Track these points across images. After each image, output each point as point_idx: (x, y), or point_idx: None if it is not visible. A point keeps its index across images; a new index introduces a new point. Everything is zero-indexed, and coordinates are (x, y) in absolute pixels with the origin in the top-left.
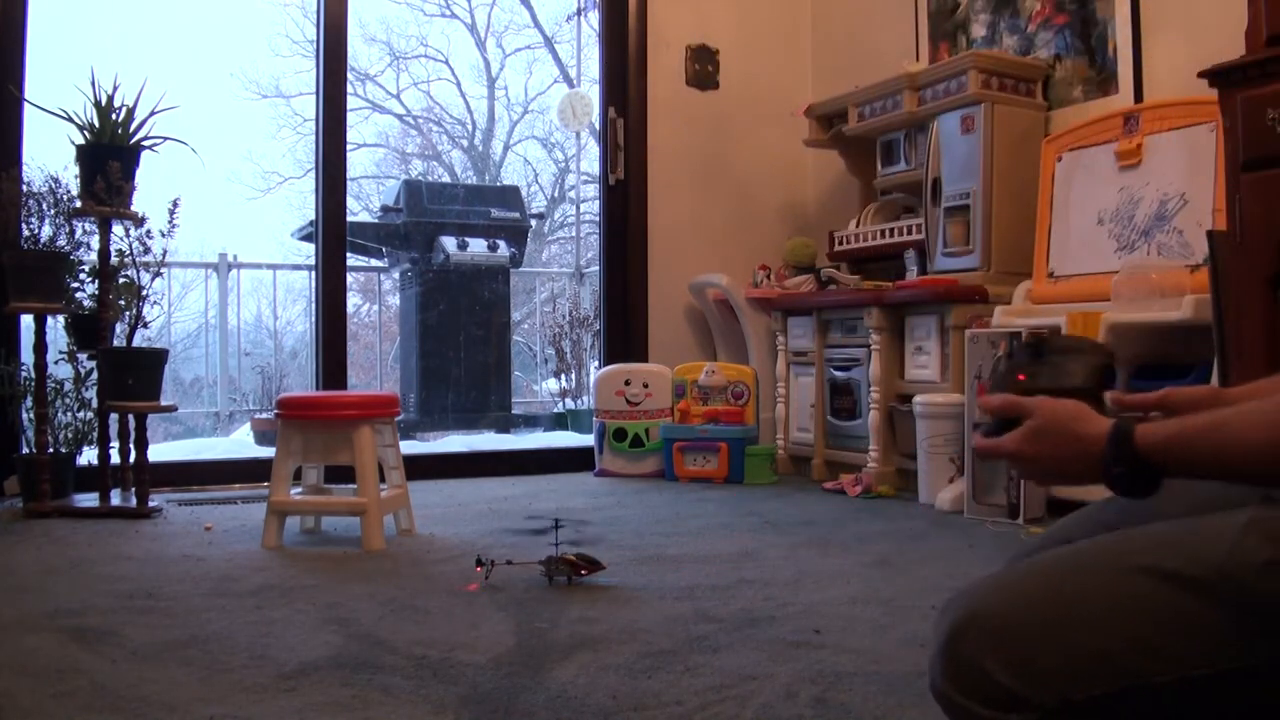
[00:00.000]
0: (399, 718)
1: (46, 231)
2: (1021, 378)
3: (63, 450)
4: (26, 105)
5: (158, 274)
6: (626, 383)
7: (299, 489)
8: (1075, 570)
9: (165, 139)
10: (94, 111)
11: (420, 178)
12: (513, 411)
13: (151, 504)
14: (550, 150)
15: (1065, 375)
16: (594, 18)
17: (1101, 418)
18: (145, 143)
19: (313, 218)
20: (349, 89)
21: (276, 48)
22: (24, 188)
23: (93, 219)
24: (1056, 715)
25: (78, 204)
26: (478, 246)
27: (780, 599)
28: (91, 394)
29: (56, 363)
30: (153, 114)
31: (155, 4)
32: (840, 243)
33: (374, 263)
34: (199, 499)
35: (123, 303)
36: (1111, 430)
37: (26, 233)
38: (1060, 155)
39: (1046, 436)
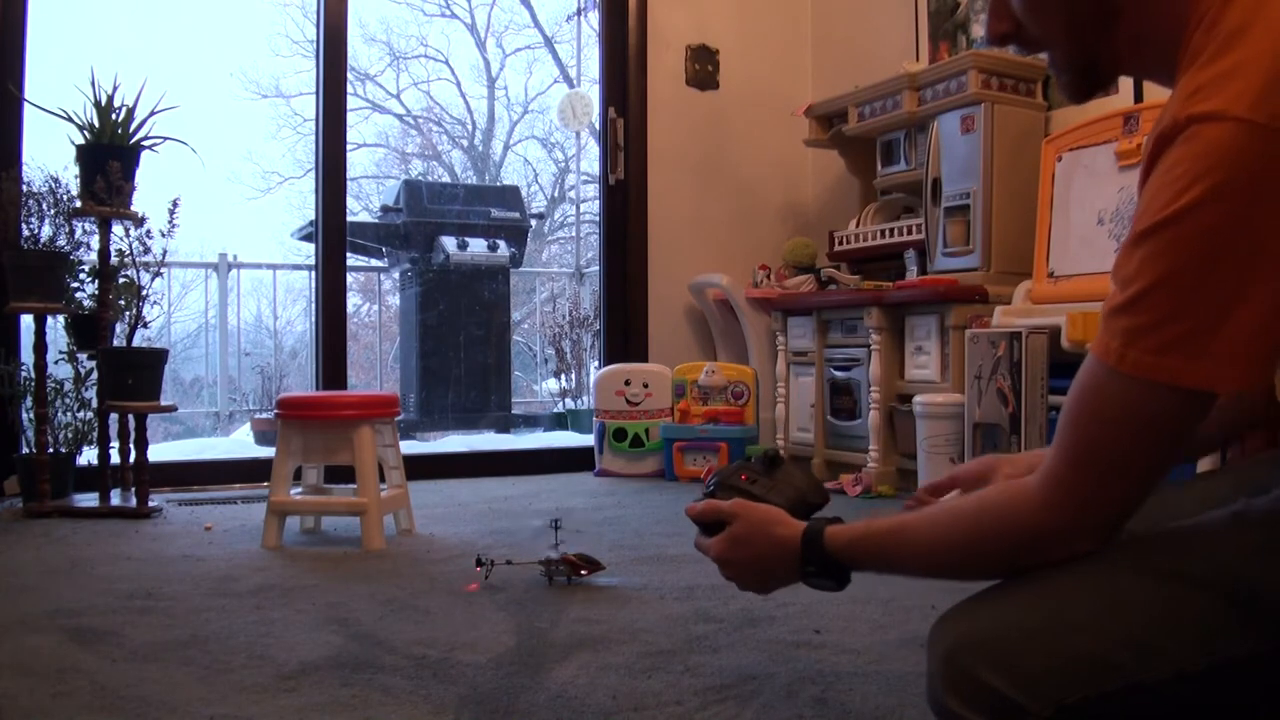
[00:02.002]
0: (399, 718)
1: (46, 231)
2: (744, 478)
3: (63, 450)
4: (26, 105)
5: (158, 274)
6: (626, 383)
7: (299, 489)
8: (1065, 574)
9: (165, 139)
10: (94, 111)
11: (420, 178)
12: (513, 411)
13: (151, 504)
14: (550, 150)
15: (775, 494)
16: (594, 18)
17: (795, 522)
18: (145, 143)
19: (313, 218)
20: (349, 89)
21: (276, 48)
22: (24, 188)
23: (93, 219)
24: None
25: (78, 204)
26: (478, 246)
27: (780, 599)
28: (91, 394)
29: (56, 363)
30: (153, 114)
31: (155, 4)
32: (840, 243)
33: (374, 263)
34: (199, 499)
35: (123, 303)
36: (804, 533)
37: (26, 233)
38: (1060, 155)
39: (745, 541)
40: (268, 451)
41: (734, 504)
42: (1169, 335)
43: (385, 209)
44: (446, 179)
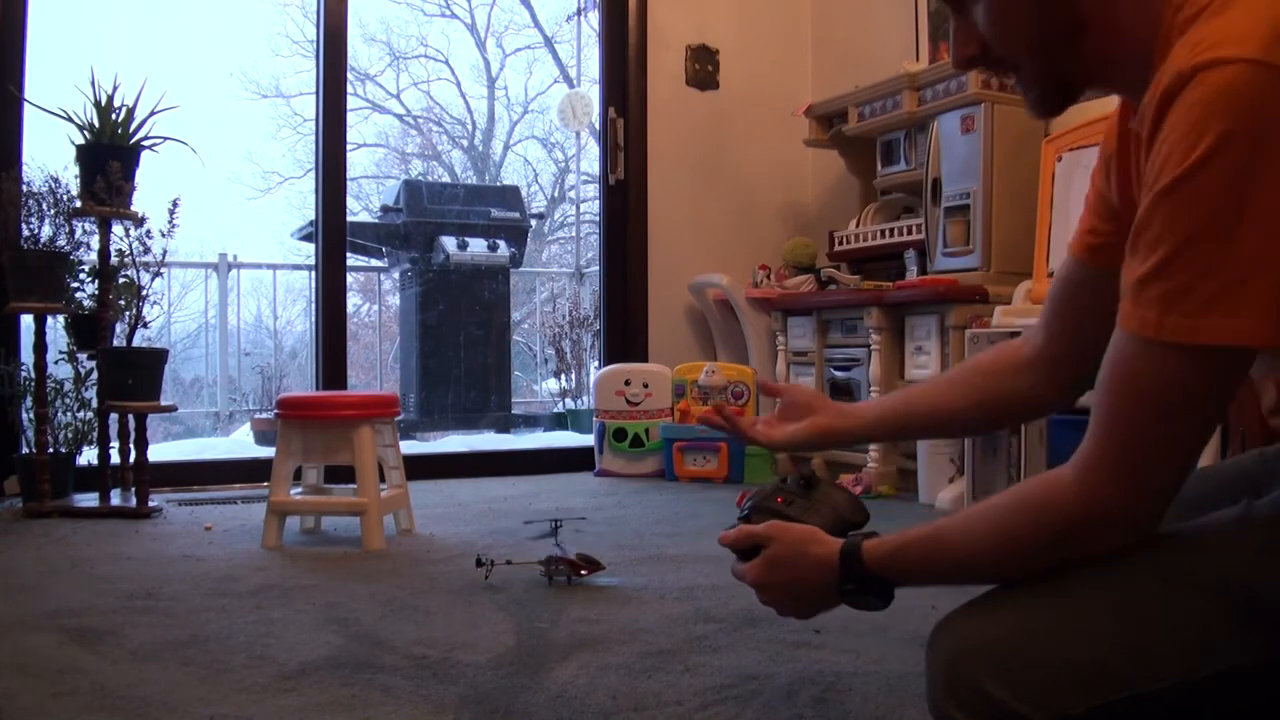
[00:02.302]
0: (399, 718)
1: (46, 231)
2: (780, 500)
3: (63, 450)
4: (26, 105)
5: (158, 274)
6: (626, 383)
7: (299, 489)
8: (1066, 579)
9: (165, 139)
10: (94, 111)
11: (420, 178)
12: (513, 411)
13: (151, 504)
14: (550, 150)
15: (813, 515)
16: (594, 18)
17: (832, 539)
18: (145, 143)
19: (313, 218)
20: (349, 89)
21: (276, 48)
22: (24, 188)
23: (93, 219)
24: None
25: (78, 204)
26: (478, 246)
27: None
28: (91, 394)
29: (56, 363)
30: (153, 114)
31: (155, 4)
32: (840, 243)
33: (374, 263)
34: (199, 499)
35: (123, 303)
36: (841, 550)
37: (26, 233)
38: (1060, 155)
39: (782, 563)
40: (268, 451)
41: (769, 526)
42: (1205, 295)
43: (385, 209)
44: (446, 179)
